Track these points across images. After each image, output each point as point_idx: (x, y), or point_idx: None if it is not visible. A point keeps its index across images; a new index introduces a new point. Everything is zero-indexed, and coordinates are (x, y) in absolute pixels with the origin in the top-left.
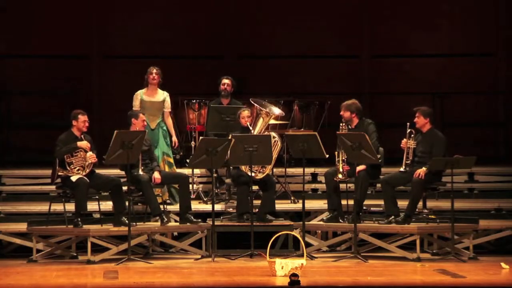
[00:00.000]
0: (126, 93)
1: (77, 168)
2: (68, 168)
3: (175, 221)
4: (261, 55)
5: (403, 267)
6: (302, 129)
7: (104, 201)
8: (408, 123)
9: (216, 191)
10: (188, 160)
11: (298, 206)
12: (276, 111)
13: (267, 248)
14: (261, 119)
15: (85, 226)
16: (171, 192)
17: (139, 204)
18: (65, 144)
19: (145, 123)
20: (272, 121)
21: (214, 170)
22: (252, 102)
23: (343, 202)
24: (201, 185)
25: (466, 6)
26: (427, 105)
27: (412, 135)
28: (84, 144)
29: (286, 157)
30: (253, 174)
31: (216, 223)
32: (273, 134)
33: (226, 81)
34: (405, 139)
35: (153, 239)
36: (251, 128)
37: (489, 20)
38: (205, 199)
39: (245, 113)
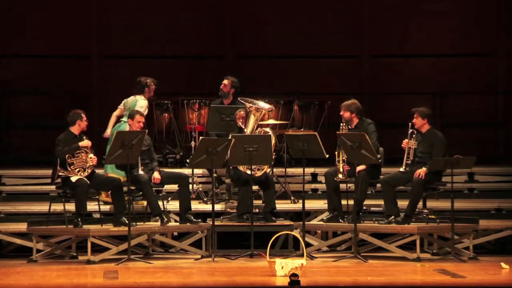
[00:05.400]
0: (126, 93)
1: (78, 169)
2: (69, 169)
3: (175, 221)
4: (262, 55)
5: (403, 267)
6: (302, 129)
7: (106, 205)
8: (410, 123)
9: (216, 191)
10: (188, 160)
11: (298, 206)
12: (265, 105)
13: (267, 248)
14: (252, 116)
15: (85, 226)
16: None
17: (142, 199)
18: (65, 144)
19: (142, 124)
20: (272, 121)
21: (214, 170)
22: (240, 101)
23: (343, 202)
24: (201, 185)
25: (466, 6)
26: (427, 105)
27: (414, 135)
28: (85, 143)
29: (286, 157)
30: (251, 172)
31: (216, 223)
32: (265, 129)
33: (224, 81)
34: (406, 139)
35: (153, 239)
36: (243, 127)
37: (489, 20)
38: (205, 199)
39: (241, 113)
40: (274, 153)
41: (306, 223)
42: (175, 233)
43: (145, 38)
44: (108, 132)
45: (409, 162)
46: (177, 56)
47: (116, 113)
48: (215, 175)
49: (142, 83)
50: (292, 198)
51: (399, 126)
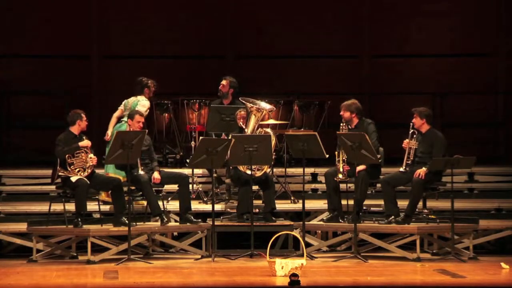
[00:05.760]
0: (126, 93)
1: (78, 169)
2: (69, 169)
3: (175, 221)
4: (262, 55)
5: (403, 267)
6: (302, 129)
7: (106, 205)
8: (411, 123)
9: (216, 191)
10: (188, 160)
11: (298, 206)
12: (266, 106)
13: (267, 248)
14: (252, 116)
15: (85, 226)
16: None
17: (142, 199)
18: (65, 144)
19: (141, 124)
20: (272, 121)
21: (214, 170)
22: (242, 101)
23: (343, 202)
24: (200, 185)
25: (466, 6)
26: (427, 105)
27: (415, 136)
28: (85, 143)
29: (286, 157)
30: (251, 172)
31: (216, 223)
32: (266, 130)
33: (222, 82)
34: (407, 139)
35: (153, 239)
36: (244, 127)
37: (489, 20)
38: (205, 199)
39: (241, 113)
40: (274, 153)
41: (306, 223)
42: (175, 233)
43: (145, 38)
44: (108, 133)
45: (409, 162)
46: (177, 56)
47: (116, 114)
48: (215, 175)
49: (142, 83)
50: (292, 198)
51: (399, 126)
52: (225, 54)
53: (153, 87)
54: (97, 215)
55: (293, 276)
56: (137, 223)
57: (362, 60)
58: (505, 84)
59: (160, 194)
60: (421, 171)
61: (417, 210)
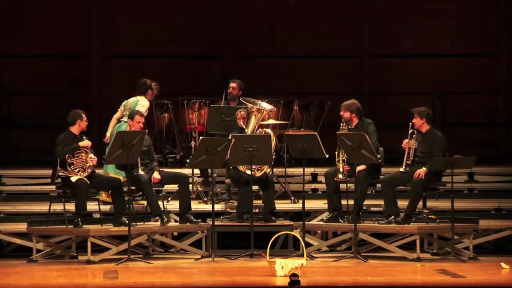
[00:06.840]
0: (126, 94)
1: (78, 169)
2: (69, 169)
3: (175, 221)
4: (262, 55)
5: (403, 267)
6: (302, 129)
7: (106, 205)
8: (410, 123)
9: (216, 191)
10: (188, 160)
11: (298, 206)
12: (267, 106)
13: (267, 248)
14: (253, 117)
15: (85, 226)
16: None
17: (142, 199)
18: (65, 144)
19: (142, 124)
20: (272, 121)
21: (212, 170)
22: (243, 101)
23: (343, 202)
24: (200, 185)
25: (466, 6)
26: (427, 105)
27: (414, 136)
28: (85, 143)
29: (286, 157)
30: (251, 172)
31: (216, 223)
32: (266, 130)
33: (232, 84)
34: (406, 139)
35: (153, 239)
36: (244, 127)
37: (489, 20)
38: (205, 199)
39: (241, 113)
40: (274, 153)
41: (306, 223)
42: (175, 233)
43: (145, 38)
44: (107, 135)
45: (409, 162)
46: (177, 56)
47: (116, 116)
48: (215, 175)
49: (146, 84)
50: (292, 198)
51: (399, 126)
52: (225, 54)
53: (156, 90)
54: (97, 215)
55: (293, 276)
56: (137, 223)
57: (362, 60)
58: (505, 84)
59: (160, 194)
60: (421, 171)
61: (417, 210)
